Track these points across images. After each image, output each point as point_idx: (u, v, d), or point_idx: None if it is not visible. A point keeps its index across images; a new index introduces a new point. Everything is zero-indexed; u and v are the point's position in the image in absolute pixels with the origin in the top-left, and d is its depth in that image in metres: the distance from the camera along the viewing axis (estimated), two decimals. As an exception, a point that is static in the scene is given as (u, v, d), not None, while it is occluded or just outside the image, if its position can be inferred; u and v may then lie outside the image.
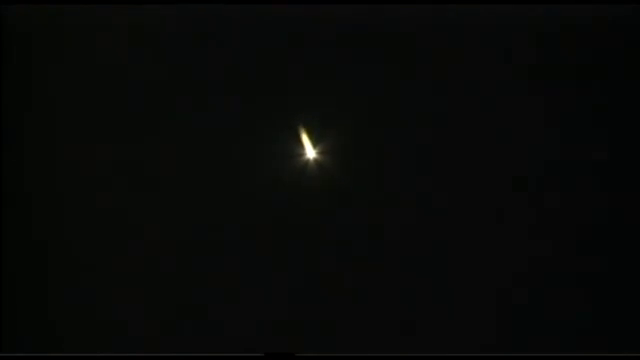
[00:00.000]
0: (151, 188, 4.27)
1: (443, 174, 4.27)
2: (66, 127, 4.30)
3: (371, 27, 4.26)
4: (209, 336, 4.18)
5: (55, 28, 4.30)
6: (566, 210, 4.22)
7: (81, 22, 4.29)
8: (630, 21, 4.23)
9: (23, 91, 4.31)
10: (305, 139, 4.21)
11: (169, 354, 4.12)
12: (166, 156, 4.28)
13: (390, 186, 4.26)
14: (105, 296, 4.21)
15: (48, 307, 4.21)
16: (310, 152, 4.23)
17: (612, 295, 4.18)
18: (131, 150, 4.28)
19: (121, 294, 4.20)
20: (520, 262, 4.21)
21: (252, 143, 4.28)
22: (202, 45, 4.29)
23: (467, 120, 4.28)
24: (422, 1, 4.22)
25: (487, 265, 4.22)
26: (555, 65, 4.28)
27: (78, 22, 4.29)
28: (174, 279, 4.22)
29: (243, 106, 4.29)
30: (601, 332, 4.15)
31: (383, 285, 4.21)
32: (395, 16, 4.25)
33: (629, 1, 4.21)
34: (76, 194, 4.26)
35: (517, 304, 4.18)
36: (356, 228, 4.24)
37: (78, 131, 4.30)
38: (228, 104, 4.30)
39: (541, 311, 4.17)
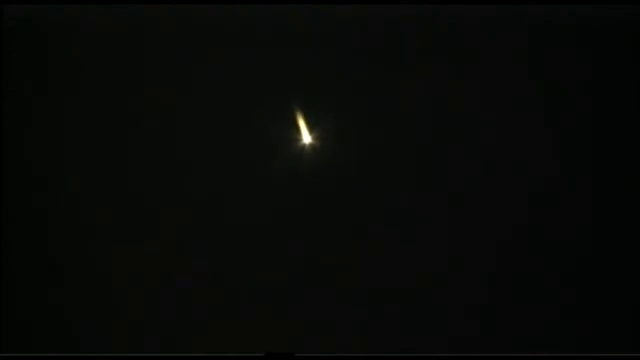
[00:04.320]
0: (151, 179, 4.27)
1: (440, 162, 4.27)
2: (67, 127, 4.30)
3: (370, 19, 4.27)
4: (208, 336, 4.18)
5: (55, 28, 4.30)
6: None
7: (81, 22, 4.29)
8: (630, 21, 4.24)
9: (23, 91, 4.31)
10: (302, 125, 4.22)
11: (169, 354, 4.12)
12: (165, 145, 4.29)
13: (386, 173, 4.26)
14: (105, 296, 4.21)
15: (48, 307, 4.20)
16: (306, 138, 4.24)
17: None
18: (131, 144, 4.29)
19: (121, 294, 4.21)
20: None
21: (250, 129, 4.28)
22: (201, 35, 4.30)
23: (465, 114, 4.28)
24: (422, 1, 4.23)
25: (485, 264, 4.23)
26: (555, 65, 4.28)
27: (78, 22, 4.29)
28: (173, 277, 4.22)
29: (241, 93, 4.30)
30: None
31: (379, 271, 4.22)
32: (394, 13, 4.26)
33: (629, 1, 4.21)
34: (76, 194, 4.27)
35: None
36: (354, 215, 4.24)
37: (79, 131, 4.31)
38: (226, 91, 4.30)
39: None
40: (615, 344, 4.13)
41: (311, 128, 4.21)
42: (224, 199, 4.27)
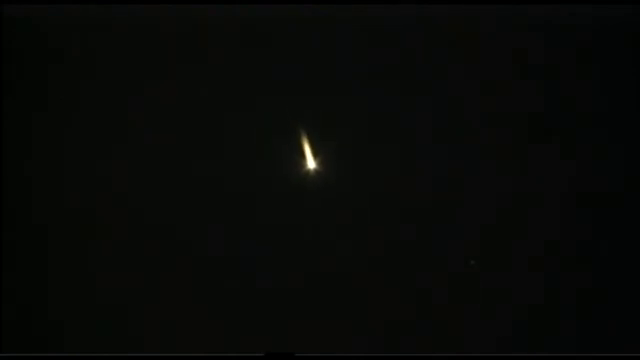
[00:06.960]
0: (151, 178, 4.27)
1: (443, 181, 4.28)
2: (67, 126, 4.31)
3: (372, 33, 4.28)
4: (209, 336, 4.19)
5: (55, 28, 4.30)
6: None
7: (81, 22, 4.29)
8: (630, 21, 4.24)
9: (23, 91, 4.31)
10: (306, 150, 4.22)
11: (169, 354, 4.12)
12: (166, 164, 4.29)
13: (390, 197, 4.27)
14: (105, 296, 4.21)
15: (48, 307, 4.21)
16: (311, 163, 4.24)
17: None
18: (130, 144, 4.29)
19: (122, 294, 4.21)
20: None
21: (253, 153, 4.29)
22: (202, 54, 4.31)
23: (466, 127, 4.29)
24: (424, 1, 4.23)
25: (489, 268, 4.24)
26: (555, 65, 4.29)
27: (78, 22, 4.29)
28: (175, 282, 4.22)
29: (244, 116, 4.30)
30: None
31: (382, 289, 4.22)
32: (396, 17, 4.26)
33: (629, 1, 4.21)
34: (77, 194, 4.27)
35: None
36: (356, 238, 4.25)
37: (78, 131, 4.31)
38: (229, 114, 4.30)
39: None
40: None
41: (315, 153, 4.20)
42: (225, 199, 4.27)
